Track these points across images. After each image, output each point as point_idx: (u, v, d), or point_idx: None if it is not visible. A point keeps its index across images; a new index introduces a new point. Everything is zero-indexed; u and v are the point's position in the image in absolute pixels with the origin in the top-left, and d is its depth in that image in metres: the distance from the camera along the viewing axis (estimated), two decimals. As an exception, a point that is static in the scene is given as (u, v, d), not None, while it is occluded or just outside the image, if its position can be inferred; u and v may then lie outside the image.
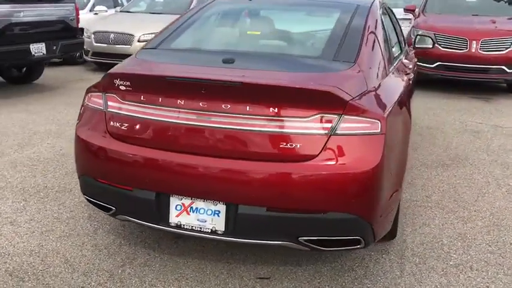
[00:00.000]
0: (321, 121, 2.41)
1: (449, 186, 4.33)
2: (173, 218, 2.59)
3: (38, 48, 7.15)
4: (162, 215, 2.60)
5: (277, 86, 2.40)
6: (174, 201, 2.57)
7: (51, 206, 3.70)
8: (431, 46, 5.47)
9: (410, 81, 3.98)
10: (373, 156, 2.44)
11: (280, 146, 2.42)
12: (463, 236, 3.43)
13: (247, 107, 2.43)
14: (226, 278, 2.87)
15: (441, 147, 5.46)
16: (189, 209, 2.56)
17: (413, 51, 5.70)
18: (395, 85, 3.09)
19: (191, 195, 2.54)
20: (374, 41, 3.07)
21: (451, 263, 3.08)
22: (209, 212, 2.54)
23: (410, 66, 4.35)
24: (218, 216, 2.53)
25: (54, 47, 7.42)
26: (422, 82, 8.91)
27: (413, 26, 8.89)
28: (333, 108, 2.41)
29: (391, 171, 2.63)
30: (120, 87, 2.65)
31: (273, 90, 2.41)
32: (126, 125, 2.65)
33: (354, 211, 2.46)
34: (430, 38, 5.36)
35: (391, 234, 3.21)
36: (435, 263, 3.08)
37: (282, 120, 2.41)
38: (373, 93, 2.65)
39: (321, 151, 2.42)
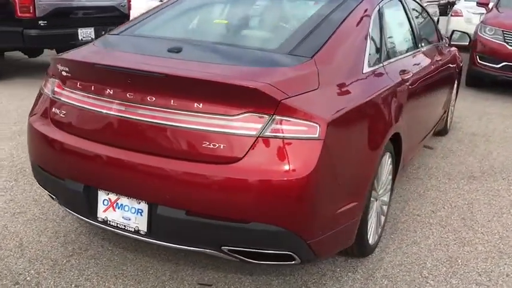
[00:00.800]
0: (249, 121, 2.17)
1: (464, 202, 3.86)
2: (100, 213, 2.47)
3: (86, 33, 7.34)
4: (91, 208, 2.48)
5: (202, 80, 2.18)
6: (102, 196, 2.45)
7: (36, 189, 3.73)
8: (466, 43, 4.90)
9: (424, 82, 3.57)
10: (307, 164, 2.16)
11: (203, 145, 2.21)
12: (453, 261, 3.01)
13: (172, 101, 2.24)
14: (166, 280, 2.71)
15: (478, 157, 4.91)
16: (115, 205, 2.43)
17: (455, 49, 5.16)
18: (374, 86, 2.75)
19: (117, 191, 2.40)
20: (351, 36, 2.75)
21: (422, 291, 2.71)
22: (133, 210, 2.39)
23: (432, 67, 3.91)
24: (141, 215, 2.37)
25: (103, 32, 7.58)
26: (485, 83, 8.17)
27: (481, 22, 8.14)
28: (263, 108, 2.15)
29: (338, 182, 2.33)
30: (62, 72, 2.56)
31: (198, 84, 2.20)
32: (64, 112, 2.56)
33: (281, 224, 2.20)
34: (467, 35, 4.79)
35: (361, 251, 2.88)
36: (405, 288, 2.72)
37: (207, 117, 2.20)
38: (326, 93, 2.35)
39: (246, 154, 2.18)
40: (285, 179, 2.14)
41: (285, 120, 2.16)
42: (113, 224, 2.44)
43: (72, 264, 2.82)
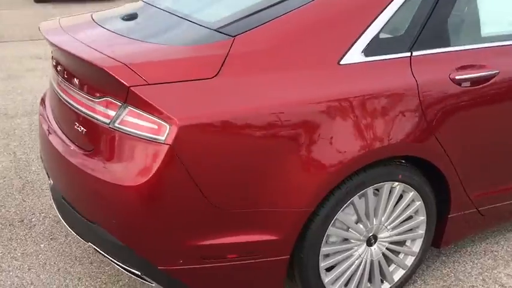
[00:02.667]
0: (107, 106, 1.81)
1: None
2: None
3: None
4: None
5: (74, 55, 1.87)
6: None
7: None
8: None
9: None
10: (143, 172, 1.69)
11: (75, 126, 1.96)
12: None
13: (65, 75, 2.03)
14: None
15: None
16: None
17: None
18: (353, 86, 1.89)
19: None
20: (325, 14, 1.94)
21: None
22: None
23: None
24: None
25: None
26: None
27: None
28: (117, 94, 1.76)
29: (212, 205, 1.75)
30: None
31: (75, 60, 1.90)
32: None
33: (117, 235, 1.81)
34: None
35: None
36: None
37: (81, 96, 1.92)
38: (224, 85, 1.75)
39: (96, 144, 1.84)
40: (118, 183, 1.73)
41: (136, 112, 1.72)
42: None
43: None
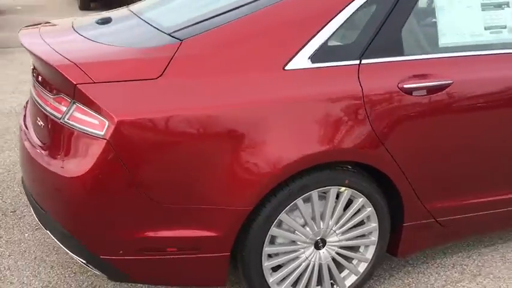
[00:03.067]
0: (60, 103, 1.94)
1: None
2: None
3: None
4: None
5: (39, 56, 2.01)
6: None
7: None
8: None
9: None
10: (82, 164, 1.82)
11: (37, 121, 2.10)
12: None
13: (34, 74, 2.18)
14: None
15: None
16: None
17: None
18: (296, 90, 1.95)
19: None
20: (273, 23, 2.01)
21: None
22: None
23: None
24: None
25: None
26: None
27: None
28: (67, 91, 1.89)
29: (148, 198, 1.85)
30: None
31: (40, 61, 2.04)
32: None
33: (62, 223, 1.94)
34: None
35: None
36: None
37: (44, 94, 2.06)
38: (165, 86, 1.85)
39: (49, 138, 1.98)
40: (59, 173, 1.86)
41: (82, 108, 1.85)
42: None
43: None
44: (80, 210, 1.87)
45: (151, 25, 2.21)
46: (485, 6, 2.29)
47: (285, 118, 1.92)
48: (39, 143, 2.07)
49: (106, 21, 2.41)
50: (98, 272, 2.03)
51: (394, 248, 2.35)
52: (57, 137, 1.93)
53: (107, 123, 1.77)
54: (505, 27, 2.31)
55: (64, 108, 1.90)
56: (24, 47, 2.12)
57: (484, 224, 2.53)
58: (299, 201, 2.03)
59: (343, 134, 1.99)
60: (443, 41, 2.20)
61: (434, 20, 2.20)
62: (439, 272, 2.58)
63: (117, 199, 1.84)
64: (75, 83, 1.81)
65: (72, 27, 2.37)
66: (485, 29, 2.28)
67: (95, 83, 1.82)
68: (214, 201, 1.90)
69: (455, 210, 2.36)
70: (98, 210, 1.85)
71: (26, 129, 2.28)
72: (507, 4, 2.32)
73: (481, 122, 2.22)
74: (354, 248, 2.29)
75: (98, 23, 2.40)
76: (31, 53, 2.07)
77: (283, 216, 2.03)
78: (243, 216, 1.94)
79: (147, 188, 1.84)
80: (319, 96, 1.97)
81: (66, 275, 2.52)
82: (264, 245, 2.04)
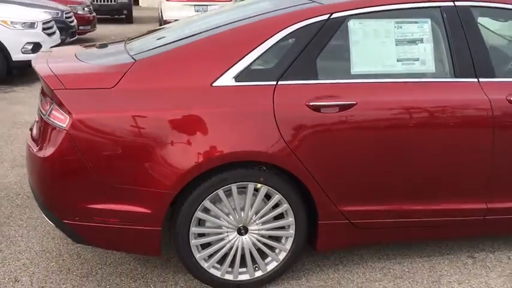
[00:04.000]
0: (46, 104, 2.61)
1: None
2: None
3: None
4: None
5: (36, 71, 2.69)
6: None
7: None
8: None
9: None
10: (51, 148, 2.47)
11: (37, 123, 2.79)
12: None
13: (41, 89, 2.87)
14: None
15: None
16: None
17: None
18: (213, 102, 2.48)
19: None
20: (205, 51, 2.61)
21: None
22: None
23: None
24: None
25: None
26: None
27: None
28: (50, 95, 2.56)
29: (97, 178, 2.45)
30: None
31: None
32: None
33: (38, 193, 2.59)
34: None
35: (195, 275, 2.67)
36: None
37: (42, 100, 2.73)
38: (116, 94, 2.45)
39: (40, 132, 2.65)
40: (37, 154, 2.52)
41: (56, 107, 2.50)
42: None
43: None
44: (48, 184, 2.51)
45: (126, 50, 2.85)
46: (399, 41, 2.70)
47: (208, 123, 2.46)
48: (35, 137, 2.75)
49: (103, 45, 3.09)
50: (65, 235, 2.65)
51: (314, 242, 2.76)
52: (42, 130, 2.59)
53: (68, 118, 2.41)
54: (417, 59, 2.70)
55: (47, 108, 2.57)
56: (33, 67, 2.82)
57: (402, 231, 2.86)
58: (220, 192, 2.53)
59: (256, 139, 2.49)
60: (355, 69, 2.64)
61: (348, 51, 2.65)
62: (365, 272, 2.92)
63: (73, 176, 2.46)
64: (52, 88, 2.48)
65: (76, 51, 3.07)
66: (398, 60, 2.69)
67: (66, 89, 2.47)
68: (147, 184, 2.46)
69: (369, 215, 2.73)
70: (60, 184, 2.48)
71: (30, 131, 2.97)
72: (421, 40, 2.71)
73: (383, 138, 2.61)
74: (278, 239, 2.73)
75: (97, 47, 3.09)
76: (35, 70, 2.77)
77: (207, 203, 2.54)
78: (169, 198, 2.47)
79: (96, 170, 2.44)
80: (238, 108, 2.49)
81: (61, 245, 3.17)
82: (191, 226, 2.56)
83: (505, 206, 2.83)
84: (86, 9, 12.54)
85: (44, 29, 8.08)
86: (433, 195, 2.76)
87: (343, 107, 2.55)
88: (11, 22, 7.69)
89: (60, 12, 10.24)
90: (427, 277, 2.88)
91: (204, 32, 2.72)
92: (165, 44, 2.70)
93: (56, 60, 2.83)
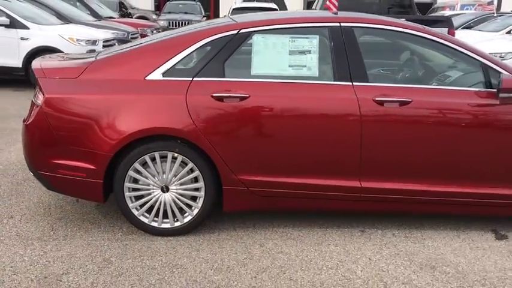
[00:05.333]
0: (36, 90, 3.69)
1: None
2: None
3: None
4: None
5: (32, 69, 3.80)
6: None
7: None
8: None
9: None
10: (31, 118, 3.53)
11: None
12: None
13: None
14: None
15: None
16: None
17: None
18: (148, 91, 3.42)
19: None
20: (142, 54, 3.60)
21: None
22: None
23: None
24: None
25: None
26: None
27: None
28: (36, 82, 3.63)
29: (60, 141, 3.46)
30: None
31: None
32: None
33: (25, 153, 3.64)
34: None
35: (135, 225, 3.58)
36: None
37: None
38: (79, 81, 3.48)
39: (30, 109, 3.71)
40: (24, 124, 3.59)
41: (39, 92, 3.56)
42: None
43: None
44: (28, 144, 3.57)
45: (96, 53, 3.89)
46: (292, 52, 3.51)
47: (139, 106, 3.40)
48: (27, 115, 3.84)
49: (91, 51, 4.15)
50: (40, 183, 3.67)
51: (222, 204, 3.58)
52: (30, 108, 3.66)
53: (41, 97, 3.45)
54: (305, 66, 3.49)
55: (35, 91, 3.64)
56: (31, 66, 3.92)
57: (292, 201, 3.59)
58: (147, 157, 3.44)
59: (172, 119, 3.39)
60: (254, 72, 3.48)
61: (250, 58, 3.50)
62: (267, 233, 3.68)
63: (44, 139, 3.49)
64: (37, 77, 3.54)
65: (70, 56, 4.16)
66: (289, 66, 3.50)
67: (46, 78, 3.53)
68: (93, 147, 3.44)
69: (262, 184, 3.51)
70: (36, 144, 3.53)
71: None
72: (309, 51, 3.49)
73: (271, 124, 3.41)
74: (193, 198, 3.58)
75: (86, 52, 4.16)
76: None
77: (137, 165, 3.46)
78: (107, 158, 3.42)
79: (58, 135, 3.45)
80: (162, 96, 3.41)
81: (58, 200, 4.21)
82: (125, 181, 3.48)
83: (377, 187, 3.50)
84: (154, 31, 14.13)
85: (104, 46, 9.50)
86: (314, 173, 3.50)
87: (240, 98, 3.40)
88: (77, 40, 9.16)
89: (126, 34, 11.75)
90: (315, 240, 3.59)
91: (148, 42, 3.70)
92: (120, 50, 3.70)
93: (49, 60, 3.91)
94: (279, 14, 3.95)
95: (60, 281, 3.03)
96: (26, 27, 9.12)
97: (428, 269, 3.26)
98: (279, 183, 3.52)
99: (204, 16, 20.36)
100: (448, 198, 3.53)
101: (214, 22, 3.80)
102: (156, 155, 3.46)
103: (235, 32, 3.53)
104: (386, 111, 3.40)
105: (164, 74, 3.47)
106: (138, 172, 3.52)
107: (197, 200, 3.59)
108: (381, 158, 3.47)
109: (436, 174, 3.50)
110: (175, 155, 3.47)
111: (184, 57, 3.49)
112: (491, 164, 3.51)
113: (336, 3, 10.41)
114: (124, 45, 3.98)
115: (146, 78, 3.46)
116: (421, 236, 3.68)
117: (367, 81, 3.47)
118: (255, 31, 3.54)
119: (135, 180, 3.55)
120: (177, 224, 3.60)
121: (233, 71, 3.52)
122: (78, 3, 14.22)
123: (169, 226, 3.59)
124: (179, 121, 3.40)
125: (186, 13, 19.62)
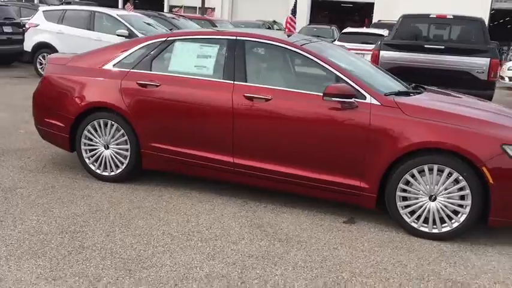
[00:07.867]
0: (47, 71, 5.44)
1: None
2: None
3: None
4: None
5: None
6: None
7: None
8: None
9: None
10: (37, 88, 5.26)
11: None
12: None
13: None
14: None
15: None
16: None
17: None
18: (99, 75, 4.91)
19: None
20: (106, 51, 5.08)
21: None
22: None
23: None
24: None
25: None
26: None
27: None
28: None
29: (49, 106, 5.14)
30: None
31: None
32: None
33: (33, 113, 5.40)
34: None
35: (88, 171, 5.09)
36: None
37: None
38: (69, 68, 5.13)
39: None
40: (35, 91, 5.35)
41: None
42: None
43: None
44: (33, 106, 5.31)
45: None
46: (199, 56, 4.72)
47: (93, 86, 4.93)
48: None
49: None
50: (39, 134, 5.37)
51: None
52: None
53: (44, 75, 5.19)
54: (205, 67, 4.67)
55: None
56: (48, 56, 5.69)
57: (191, 168, 4.74)
58: (98, 122, 4.92)
59: (111, 97, 4.84)
60: (170, 68, 4.78)
61: (170, 58, 4.79)
62: (198, 204, 4.86)
63: (40, 103, 5.21)
64: (48, 64, 5.28)
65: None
66: (195, 66, 4.71)
67: (50, 64, 5.25)
68: (65, 111, 5.04)
69: (167, 151, 4.74)
70: (37, 106, 5.25)
71: None
72: (210, 56, 4.67)
73: (175, 105, 4.65)
74: (126, 157, 4.94)
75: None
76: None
77: (89, 128, 4.96)
78: (71, 120, 4.99)
79: (47, 101, 5.14)
80: (108, 80, 4.89)
81: (56, 169, 5.92)
82: (82, 139, 5.01)
83: (245, 163, 4.49)
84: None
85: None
86: (201, 146, 4.62)
87: (152, 85, 4.72)
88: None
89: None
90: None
91: (115, 43, 5.21)
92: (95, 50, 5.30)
93: (61, 54, 5.66)
94: (199, 29, 5.15)
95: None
96: (139, 37, 11.38)
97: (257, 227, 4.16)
98: (176, 151, 4.73)
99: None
100: (295, 180, 4.37)
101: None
102: (101, 121, 4.93)
103: (163, 39, 4.87)
104: (252, 105, 4.41)
105: (114, 65, 4.93)
106: (94, 132, 5.01)
107: (127, 159, 4.95)
108: (248, 141, 4.47)
109: (287, 158, 4.38)
110: (113, 122, 4.89)
111: (129, 54, 4.92)
112: (317, 153, 4.30)
113: (293, 26, 12.99)
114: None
115: (102, 67, 4.97)
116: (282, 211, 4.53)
117: (246, 81, 4.50)
118: (178, 39, 4.84)
119: (88, 138, 5.05)
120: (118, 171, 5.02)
121: (157, 66, 4.86)
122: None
123: (108, 174, 5.02)
124: (115, 98, 4.83)
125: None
